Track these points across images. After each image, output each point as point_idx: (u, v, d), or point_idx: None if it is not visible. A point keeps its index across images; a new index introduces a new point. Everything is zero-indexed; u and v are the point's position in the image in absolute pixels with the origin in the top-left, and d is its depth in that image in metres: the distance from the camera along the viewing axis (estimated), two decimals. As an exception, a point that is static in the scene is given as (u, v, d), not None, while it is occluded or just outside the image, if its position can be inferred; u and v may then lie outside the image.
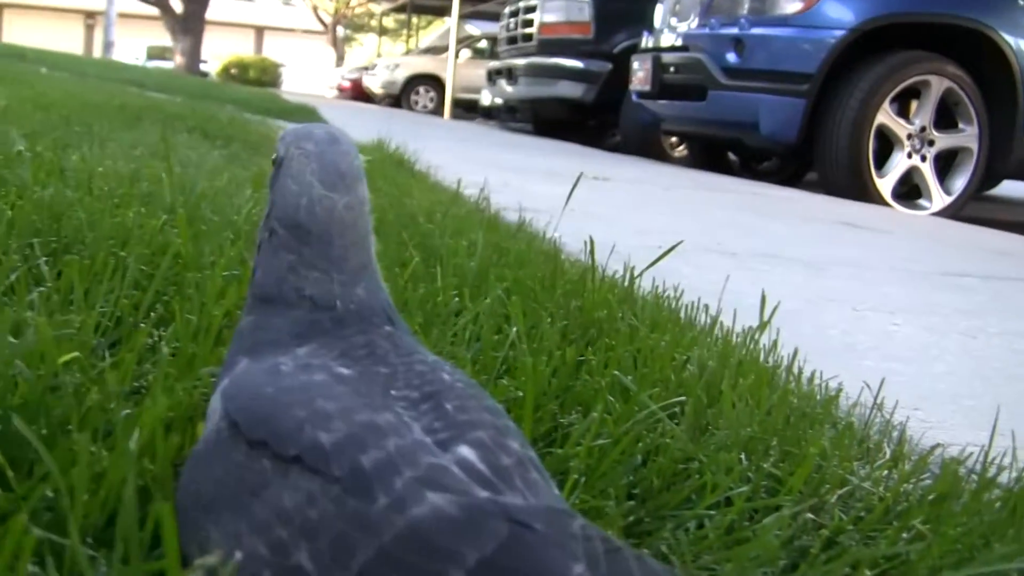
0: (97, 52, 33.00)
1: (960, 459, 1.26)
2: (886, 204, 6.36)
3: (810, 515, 1.09)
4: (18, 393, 0.92)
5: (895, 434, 1.42)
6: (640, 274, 1.85)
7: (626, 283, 1.87)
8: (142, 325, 1.23)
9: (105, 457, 0.81)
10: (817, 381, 1.58)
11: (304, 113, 9.23)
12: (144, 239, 1.56)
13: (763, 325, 1.61)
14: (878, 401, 1.46)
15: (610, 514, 0.97)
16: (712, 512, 1.04)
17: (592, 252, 1.77)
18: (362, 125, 8.29)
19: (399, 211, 2.52)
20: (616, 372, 1.29)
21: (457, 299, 1.55)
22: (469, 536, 0.61)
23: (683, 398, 1.29)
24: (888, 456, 1.33)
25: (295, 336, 0.83)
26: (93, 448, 0.81)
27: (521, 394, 1.14)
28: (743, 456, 1.18)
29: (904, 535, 1.05)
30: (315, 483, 0.67)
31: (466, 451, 0.70)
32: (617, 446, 1.09)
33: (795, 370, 1.58)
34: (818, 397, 1.51)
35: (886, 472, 1.24)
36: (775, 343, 1.66)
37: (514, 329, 1.37)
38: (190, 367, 1.09)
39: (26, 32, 37.78)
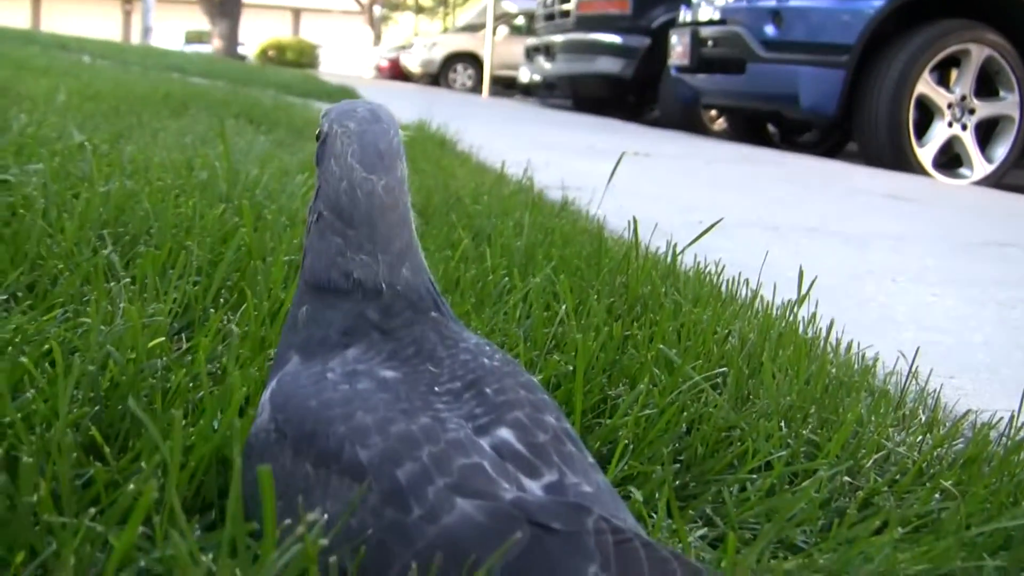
0: (135, 38, 33.21)
1: (992, 424, 1.31)
2: (927, 174, 6.34)
3: (847, 478, 1.15)
4: (107, 377, 0.99)
5: (930, 401, 1.47)
6: (682, 251, 1.90)
7: (669, 260, 1.92)
8: (212, 311, 1.31)
9: (193, 432, 0.89)
10: (855, 351, 1.63)
11: (344, 95, 9.30)
12: (206, 228, 1.64)
13: (801, 299, 1.67)
14: (914, 370, 1.51)
15: (656, 479, 1.03)
16: (754, 476, 1.10)
17: (635, 231, 1.82)
18: (402, 105, 8.35)
19: (444, 193, 2.59)
20: (661, 346, 1.35)
21: (507, 278, 1.61)
22: (495, 543, 0.67)
23: (725, 369, 1.35)
24: (923, 422, 1.38)
25: (344, 333, 0.86)
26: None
27: (571, 368, 1.20)
28: (783, 424, 1.24)
29: (936, 496, 1.10)
30: (353, 493, 0.73)
31: (505, 432, 0.77)
32: (663, 416, 1.15)
33: (833, 341, 1.64)
34: (855, 367, 1.56)
35: (920, 437, 1.30)
36: (814, 315, 1.71)
37: (563, 306, 1.44)
38: (261, 349, 1.16)
39: (64, 19, 38.03)
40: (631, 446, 1.10)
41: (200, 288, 1.37)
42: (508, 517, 0.69)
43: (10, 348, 1.02)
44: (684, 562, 0.67)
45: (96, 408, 0.92)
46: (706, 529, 1.01)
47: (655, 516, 0.98)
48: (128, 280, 1.29)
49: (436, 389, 0.82)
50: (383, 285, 0.88)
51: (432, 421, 0.77)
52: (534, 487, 0.74)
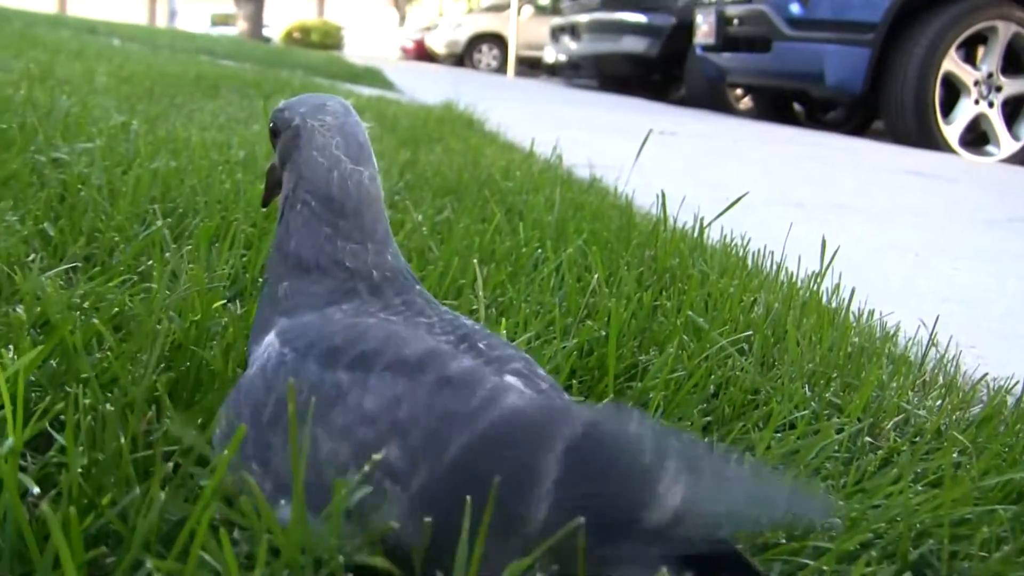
0: (161, 21, 33.32)
1: (1008, 388, 1.36)
2: (953, 151, 6.35)
3: (868, 439, 1.20)
4: (170, 338, 1.06)
5: (950, 368, 1.52)
6: (709, 224, 1.95)
7: (696, 233, 1.97)
8: (260, 280, 1.37)
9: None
10: (876, 320, 1.69)
11: (371, 76, 9.37)
12: (250, 203, 1.70)
13: (824, 270, 1.72)
14: (933, 338, 1.56)
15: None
16: (778, 435, 1.16)
17: (664, 204, 1.88)
18: (429, 86, 8.41)
19: (475, 170, 2.64)
20: (689, 312, 1.40)
21: (540, 251, 1.67)
22: (555, 426, 0.70)
23: (750, 333, 1.40)
24: (942, 386, 1.43)
25: (331, 304, 0.88)
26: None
27: (604, 334, 1.26)
28: (806, 387, 1.30)
29: (954, 455, 1.16)
30: (399, 387, 0.75)
31: (512, 380, 0.79)
32: (691, 379, 1.21)
33: (855, 311, 1.69)
34: (877, 335, 1.62)
35: (940, 401, 1.35)
36: (838, 286, 1.76)
37: (595, 277, 1.49)
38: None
39: (89, 3, 38.06)
40: (661, 408, 1.16)
41: (248, 260, 1.44)
42: (563, 406, 0.73)
43: (78, 312, 1.08)
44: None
45: (162, 366, 0.98)
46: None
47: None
48: (185, 251, 1.36)
49: (437, 337, 0.84)
50: (373, 272, 0.91)
51: (453, 347, 0.81)
52: None
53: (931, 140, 6.37)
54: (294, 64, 9.24)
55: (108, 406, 0.81)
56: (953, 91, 6.50)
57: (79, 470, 0.77)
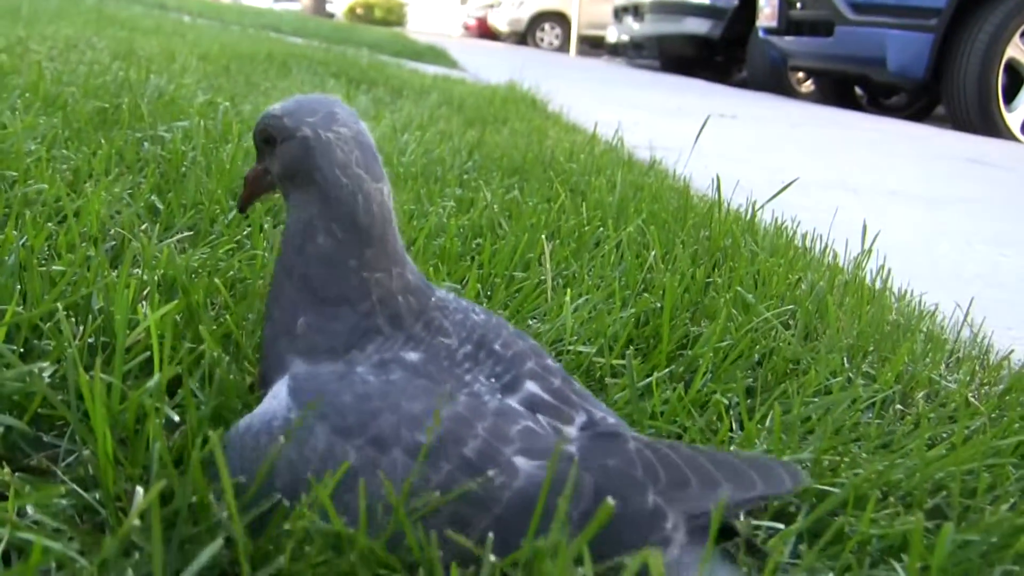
0: (228, -5, 33.60)
1: (1033, 363, 1.47)
2: (1016, 139, 6.37)
3: (899, 406, 1.32)
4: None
5: (984, 345, 1.63)
6: (762, 207, 2.06)
7: (748, 216, 2.08)
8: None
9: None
10: (916, 300, 1.79)
11: (435, 54, 9.49)
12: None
13: (867, 252, 1.82)
14: (968, 317, 1.66)
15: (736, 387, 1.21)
16: (815, 399, 1.27)
17: (719, 187, 1.99)
18: (492, 64, 8.53)
19: (539, 151, 2.77)
20: (739, 288, 1.52)
21: (601, 229, 1.79)
22: (559, 494, 0.74)
23: (794, 307, 1.52)
24: (972, 359, 1.54)
25: (351, 346, 0.85)
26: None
27: (660, 306, 1.38)
28: (845, 358, 1.41)
29: (979, 421, 1.27)
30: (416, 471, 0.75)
31: (530, 386, 0.85)
32: (737, 348, 1.32)
33: (894, 289, 1.79)
34: (915, 314, 1.72)
35: (969, 376, 1.46)
36: (882, 267, 1.86)
37: (652, 253, 1.62)
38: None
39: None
40: (710, 374, 1.28)
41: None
42: (567, 478, 0.74)
43: (193, 276, 1.23)
44: (709, 452, 0.80)
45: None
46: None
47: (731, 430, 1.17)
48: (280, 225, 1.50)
49: (457, 358, 0.86)
50: (398, 296, 0.88)
51: (470, 398, 0.81)
52: (571, 431, 0.82)
53: (993, 127, 6.39)
54: (359, 41, 9.39)
55: (227, 358, 0.94)
56: (1016, 78, 6.51)
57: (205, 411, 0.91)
